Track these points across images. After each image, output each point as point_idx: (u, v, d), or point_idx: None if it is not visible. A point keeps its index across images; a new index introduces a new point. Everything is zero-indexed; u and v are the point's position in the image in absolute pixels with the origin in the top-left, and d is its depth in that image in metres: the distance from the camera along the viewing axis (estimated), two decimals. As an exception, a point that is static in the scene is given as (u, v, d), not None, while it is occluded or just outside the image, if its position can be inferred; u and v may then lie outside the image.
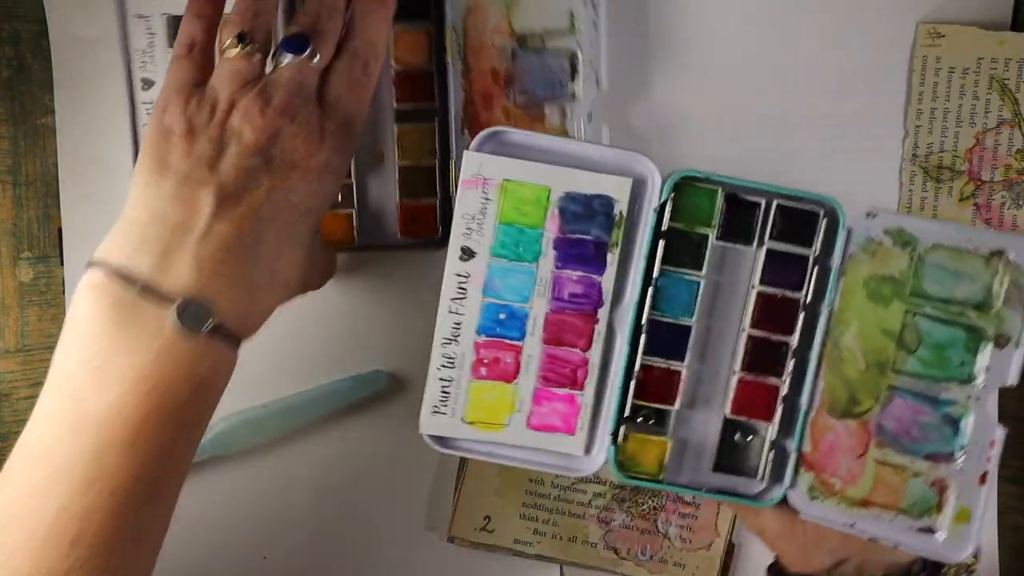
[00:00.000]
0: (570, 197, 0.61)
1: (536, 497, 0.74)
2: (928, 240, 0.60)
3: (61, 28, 0.73)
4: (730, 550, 0.74)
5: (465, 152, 0.61)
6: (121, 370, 0.50)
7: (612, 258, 0.61)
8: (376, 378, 0.75)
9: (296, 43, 0.57)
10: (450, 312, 0.62)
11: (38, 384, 0.73)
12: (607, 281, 0.61)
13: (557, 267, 0.62)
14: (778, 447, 0.61)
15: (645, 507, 0.73)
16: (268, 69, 0.58)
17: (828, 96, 0.74)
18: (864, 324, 0.60)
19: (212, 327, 0.52)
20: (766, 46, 0.74)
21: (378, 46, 0.60)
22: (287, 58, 0.57)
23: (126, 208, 0.55)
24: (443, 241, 0.70)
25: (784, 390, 0.61)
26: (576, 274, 0.61)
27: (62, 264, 0.74)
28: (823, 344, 0.60)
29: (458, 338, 0.62)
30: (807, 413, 0.60)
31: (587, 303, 0.62)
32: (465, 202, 0.61)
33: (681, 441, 0.62)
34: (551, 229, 0.61)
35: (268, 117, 0.55)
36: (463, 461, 0.74)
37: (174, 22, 0.72)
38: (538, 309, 0.62)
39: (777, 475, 0.61)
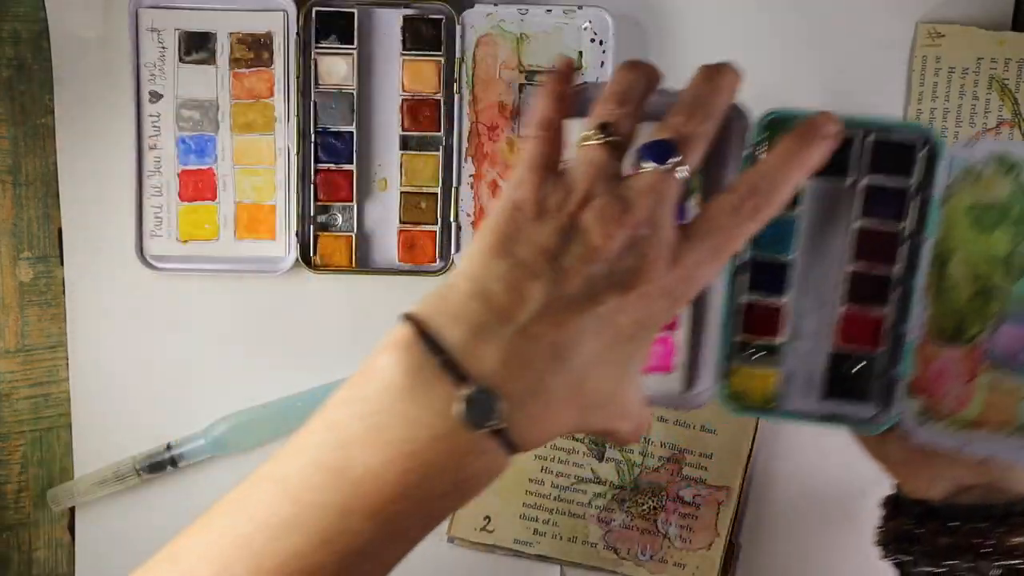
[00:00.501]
0: None
1: (536, 497, 0.74)
2: None
3: (61, 28, 0.73)
4: (730, 550, 0.74)
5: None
6: (395, 438, 0.46)
7: None
8: (376, 378, 0.75)
9: (662, 149, 0.50)
10: None
11: (38, 384, 0.74)
12: None
13: None
14: (886, 375, 0.61)
15: (645, 507, 0.74)
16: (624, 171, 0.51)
17: (828, 96, 0.74)
18: (968, 252, 0.60)
19: (496, 428, 0.47)
20: (765, 58, 0.74)
21: (781, 192, 0.53)
22: (649, 165, 0.50)
23: (454, 273, 0.50)
24: (441, 269, 0.71)
25: (890, 320, 0.61)
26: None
27: (62, 264, 0.74)
28: (927, 274, 0.59)
29: None
30: (914, 342, 0.60)
31: None
32: None
33: (789, 372, 0.62)
34: None
35: (624, 224, 0.49)
36: None
37: (186, 38, 0.72)
38: None
39: (886, 401, 0.61)
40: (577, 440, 0.73)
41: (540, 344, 0.47)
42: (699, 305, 0.62)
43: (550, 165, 0.51)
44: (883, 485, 0.75)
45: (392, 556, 0.49)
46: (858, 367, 0.61)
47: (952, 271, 0.61)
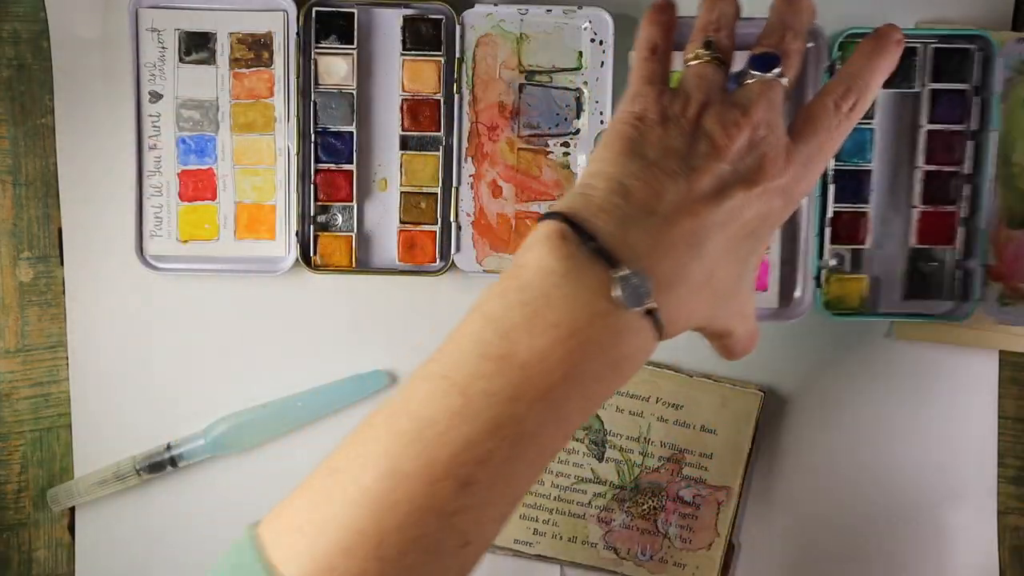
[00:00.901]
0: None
1: (536, 497, 0.74)
2: None
3: (61, 28, 0.73)
4: (730, 550, 0.74)
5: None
6: (556, 321, 0.48)
7: None
8: (376, 378, 0.75)
9: (766, 61, 0.55)
10: None
11: (38, 384, 0.74)
12: None
13: None
14: (963, 267, 0.68)
15: (645, 507, 0.73)
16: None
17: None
18: None
19: (648, 308, 0.49)
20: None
21: (870, 89, 0.57)
22: (754, 76, 0.55)
23: (581, 180, 0.53)
24: (441, 269, 0.71)
25: (963, 214, 0.68)
26: None
27: (62, 264, 0.74)
28: (995, 166, 0.66)
29: None
30: (987, 231, 0.67)
31: None
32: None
33: (876, 276, 0.70)
34: None
35: (743, 126, 0.53)
36: None
37: (186, 38, 0.72)
38: None
39: (966, 292, 0.68)
40: (577, 440, 0.73)
41: (680, 233, 0.50)
42: (791, 222, 0.69)
43: (664, 79, 0.56)
44: (882, 488, 0.75)
45: (556, 442, 0.50)
46: (936, 263, 0.69)
47: (1017, 159, 0.67)
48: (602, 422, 0.73)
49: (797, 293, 0.71)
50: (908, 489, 0.76)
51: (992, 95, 0.66)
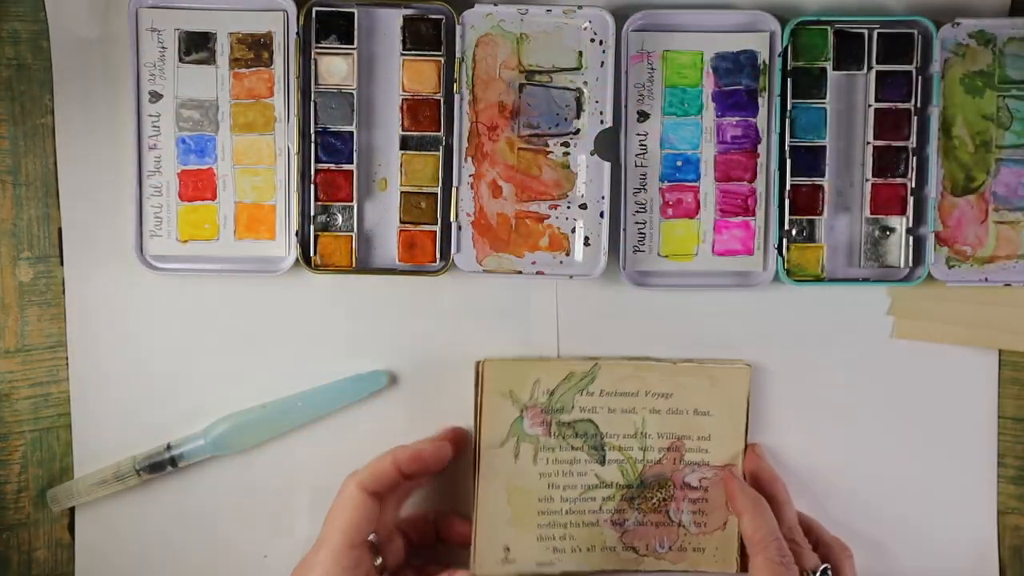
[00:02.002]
0: (720, 56, 0.73)
1: (548, 515, 0.73)
2: (1004, 35, 0.72)
3: (61, 28, 0.73)
4: None
5: (629, 32, 0.72)
6: None
7: (763, 101, 0.73)
8: (376, 378, 0.75)
9: None
10: (636, 166, 0.73)
11: (38, 384, 0.74)
12: (761, 121, 0.73)
13: (718, 116, 0.73)
14: (914, 234, 0.73)
15: (655, 500, 0.74)
16: None
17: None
18: (967, 114, 0.72)
19: None
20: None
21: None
22: None
23: None
24: (441, 269, 0.71)
25: (911, 185, 0.73)
26: (735, 119, 0.73)
27: (62, 264, 0.74)
28: (937, 139, 0.72)
29: (645, 186, 0.73)
30: (934, 199, 0.72)
31: (747, 142, 0.73)
32: (634, 74, 0.72)
33: (833, 245, 0.74)
34: (708, 85, 0.73)
35: None
36: (473, 498, 0.73)
37: (186, 38, 0.72)
38: (707, 153, 0.74)
39: (918, 257, 0.73)
40: (576, 449, 0.73)
41: None
42: (765, 194, 0.73)
43: None
44: (881, 487, 0.75)
45: None
46: (890, 232, 0.73)
47: (957, 132, 0.73)
48: (597, 426, 0.73)
49: (768, 262, 0.74)
50: (908, 489, 0.76)
51: (933, 75, 0.72)
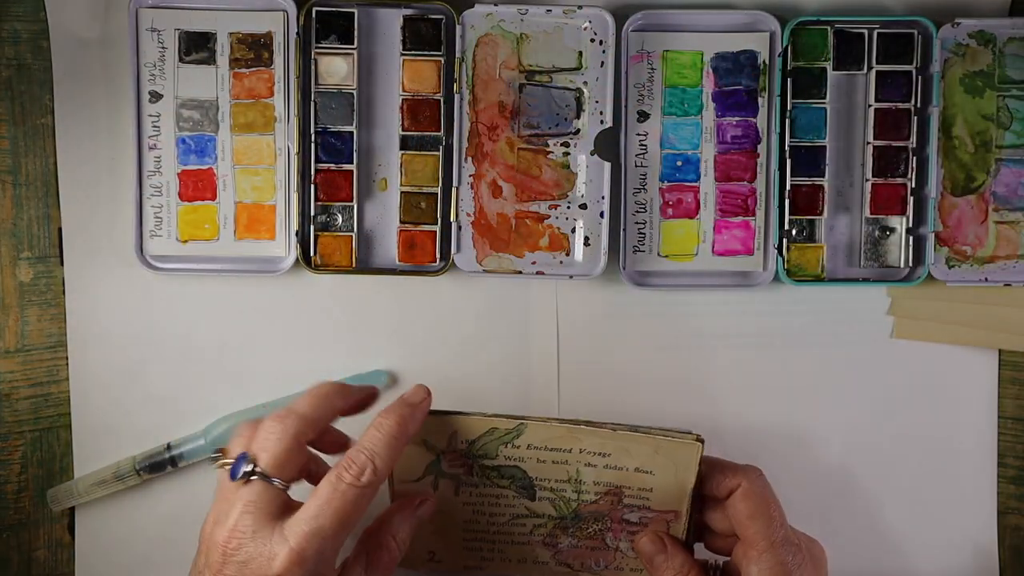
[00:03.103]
0: (720, 56, 0.73)
1: (476, 532, 0.70)
2: (1004, 35, 0.72)
3: (61, 28, 0.73)
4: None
5: (629, 32, 0.72)
6: None
7: (763, 101, 0.73)
8: (377, 377, 0.75)
9: (232, 472, 0.61)
10: (636, 166, 0.73)
11: (38, 384, 0.74)
12: (761, 121, 0.73)
13: (718, 116, 0.74)
14: (914, 234, 0.73)
15: (591, 530, 0.69)
16: None
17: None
18: (967, 114, 0.72)
19: None
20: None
21: (381, 457, 0.61)
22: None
23: None
24: (441, 269, 0.71)
25: (911, 185, 0.73)
26: (735, 119, 0.73)
27: (62, 264, 0.74)
28: (937, 139, 0.72)
29: (645, 186, 0.73)
30: (934, 199, 0.73)
31: (747, 142, 0.73)
32: (634, 74, 0.73)
33: (833, 245, 0.75)
34: (708, 85, 0.73)
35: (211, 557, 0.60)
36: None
37: (186, 38, 0.72)
38: (707, 153, 0.74)
39: (918, 257, 0.74)
40: (501, 488, 0.67)
41: None
42: (765, 194, 0.73)
43: None
44: (881, 487, 0.75)
45: None
46: (890, 232, 0.73)
47: (957, 132, 0.73)
48: (524, 471, 0.67)
49: (768, 262, 0.74)
50: (908, 488, 0.76)
51: (932, 75, 0.72)
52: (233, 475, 0.60)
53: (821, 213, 0.73)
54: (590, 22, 0.72)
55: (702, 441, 0.63)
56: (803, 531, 0.65)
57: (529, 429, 0.65)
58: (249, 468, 0.60)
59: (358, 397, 0.67)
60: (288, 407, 0.63)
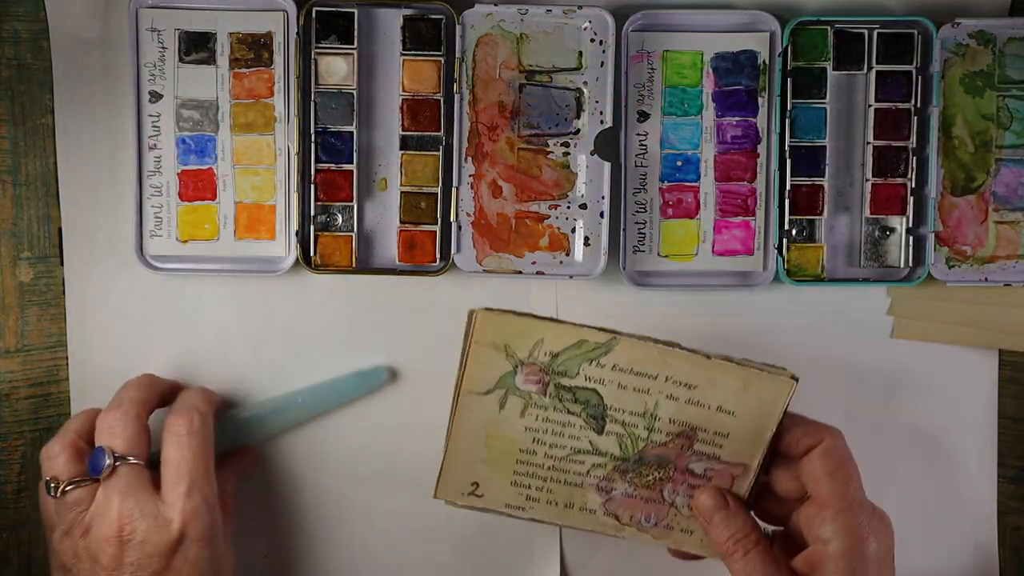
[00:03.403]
0: (720, 56, 0.73)
1: (528, 466, 0.68)
2: (1004, 35, 0.73)
3: (61, 28, 0.73)
4: None
5: (629, 32, 0.72)
6: None
7: (762, 101, 0.73)
8: (378, 374, 0.75)
9: (94, 465, 0.66)
10: (636, 166, 0.73)
11: (38, 384, 0.74)
12: (761, 121, 0.73)
13: (718, 116, 0.74)
14: (914, 234, 0.74)
15: (650, 478, 0.67)
16: None
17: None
18: (967, 114, 0.72)
19: None
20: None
21: (199, 410, 0.69)
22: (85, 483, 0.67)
23: None
24: (441, 269, 0.71)
25: (911, 185, 0.73)
26: (735, 119, 0.73)
27: (62, 264, 0.74)
28: (937, 139, 0.73)
29: (645, 186, 0.73)
30: (934, 199, 0.73)
31: (747, 142, 0.74)
32: (634, 74, 0.73)
33: (833, 245, 0.75)
34: (708, 85, 0.73)
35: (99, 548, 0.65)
36: (449, 430, 0.67)
37: (186, 38, 0.72)
38: (707, 153, 0.74)
39: (918, 257, 0.74)
40: (573, 414, 0.66)
41: None
42: (765, 194, 0.73)
43: None
44: (881, 487, 0.76)
45: None
46: (890, 232, 0.74)
47: (957, 132, 0.73)
48: (601, 396, 0.65)
49: (768, 262, 0.75)
50: (908, 489, 0.76)
51: (932, 75, 0.72)
52: (97, 470, 0.65)
53: (821, 213, 0.73)
54: (590, 22, 0.72)
55: (796, 379, 0.63)
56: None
57: (620, 346, 0.64)
58: (110, 460, 0.65)
59: (170, 385, 0.73)
60: (118, 397, 0.69)
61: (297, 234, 0.73)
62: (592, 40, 0.72)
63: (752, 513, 0.65)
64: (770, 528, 0.66)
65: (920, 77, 0.73)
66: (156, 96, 0.73)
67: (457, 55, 0.72)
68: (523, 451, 0.67)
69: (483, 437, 0.67)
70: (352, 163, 0.73)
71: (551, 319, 0.64)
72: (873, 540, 0.62)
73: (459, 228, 0.73)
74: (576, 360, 0.64)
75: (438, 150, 0.73)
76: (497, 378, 0.65)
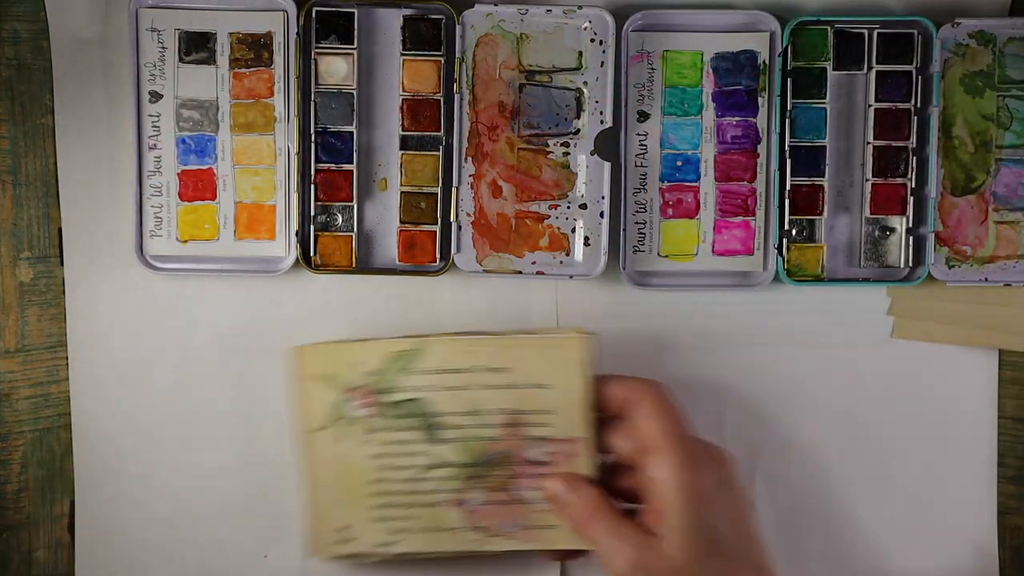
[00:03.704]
0: (720, 56, 0.73)
1: (385, 496, 0.68)
2: (1004, 35, 0.72)
3: (61, 28, 0.73)
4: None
5: (629, 32, 0.72)
6: None
7: (763, 101, 0.73)
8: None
9: None
10: (636, 166, 0.73)
11: (38, 384, 0.74)
12: (761, 121, 0.73)
13: (718, 116, 0.73)
14: (914, 234, 0.73)
15: (497, 478, 0.68)
16: None
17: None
18: (967, 114, 0.72)
19: None
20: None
21: None
22: None
23: None
24: (441, 269, 0.71)
25: (911, 185, 0.73)
26: (734, 119, 0.73)
27: (62, 264, 0.74)
28: (937, 139, 0.72)
29: (645, 186, 0.73)
30: (934, 199, 0.73)
31: (747, 142, 0.73)
32: (634, 74, 0.73)
33: (833, 245, 0.75)
34: (708, 85, 0.73)
35: None
36: (303, 478, 0.69)
37: (186, 38, 0.72)
38: (707, 153, 0.74)
39: (918, 257, 0.74)
40: (406, 430, 0.68)
41: None
42: (766, 193, 0.73)
43: None
44: (881, 487, 0.75)
45: None
46: (890, 232, 0.73)
47: (957, 132, 0.73)
48: (427, 405, 0.67)
49: (768, 262, 0.74)
50: (908, 489, 0.76)
51: (932, 75, 0.72)
52: None
53: (821, 213, 0.73)
54: (590, 22, 0.72)
55: (588, 335, 0.65)
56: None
57: (428, 348, 0.67)
58: None
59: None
60: None
61: (297, 234, 0.73)
62: (592, 40, 0.72)
63: (607, 491, 0.66)
64: (631, 505, 0.66)
65: (920, 77, 0.73)
66: (156, 96, 0.73)
67: (457, 55, 0.72)
68: (375, 482, 0.68)
69: (336, 476, 0.68)
70: (352, 163, 0.73)
71: (364, 340, 0.67)
72: (708, 471, 0.63)
73: (459, 228, 0.73)
74: (396, 373, 0.67)
75: (438, 150, 0.73)
76: (330, 410, 0.67)
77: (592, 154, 0.73)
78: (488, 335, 0.68)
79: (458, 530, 0.69)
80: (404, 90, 0.73)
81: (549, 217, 0.74)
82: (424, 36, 0.72)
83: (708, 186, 0.74)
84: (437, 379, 0.67)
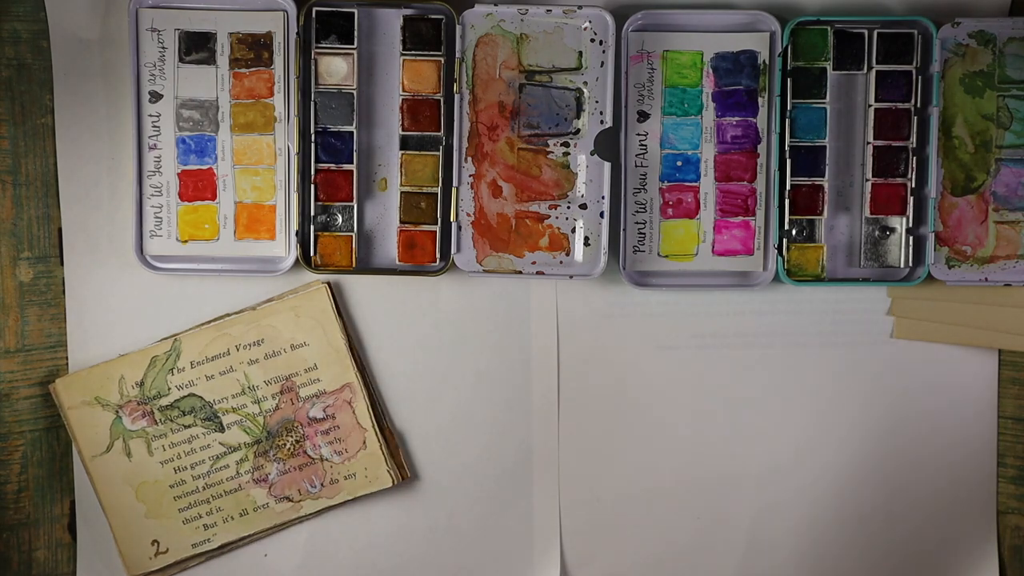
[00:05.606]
0: (720, 56, 0.73)
1: (186, 497, 0.72)
2: (1004, 35, 0.72)
3: (61, 28, 0.73)
4: (388, 436, 0.74)
5: (629, 32, 0.72)
6: None
7: (763, 101, 0.73)
8: (376, 378, 0.75)
9: None
10: (636, 166, 0.73)
11: (38, 384, 0.74)
12: (761, 121, 0.73)
13: (718, 116, 0.73)
14: (914, 234, 0.73)
15: (288, 445, 0.72)
16: None
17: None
18: (967, 114, 0.72)
19: None
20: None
21: None
22: None
23: None
24: (441, 269, 0.71)
25: (911, 185, 0.73)
26: (735, 119, 0.73)
27: (62, 264, 0.74)
28: (937, 139, 0.72)
29: (645, 186, 0.73)
30: (934, 199, 0.72)
31: (747, 142, 0.73)
32: (634, 74, 0.72)
33: (833, 245, 0.74)
34: (708, 85, 0.73)
35: None
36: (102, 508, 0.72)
37: (186, 38, 0.72)
38: (707, 153, 0.74)
39: (918, 257, 0.74)
40: (189, 427, 0.72)
41: None
42: (766, 193, 0.73)
43: None
44: (881, 487, 0.75)
45: None
46: (890, 232, 0.73)
47: (957, 132, 0.73)
48: (200, 397, 0.72)
49: (768, 262, 0.74)
50: (908, 489, 0.76)
51: (932, 75, 0.72)
52: None
53: (821, 213, 0.73)
54: (590, 22, 0.72)
55: (327, 283, 0.70)
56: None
57: (184, 343, 0.71)
58: None
59: None
60: None
61: (297, 234, 0.73)
62: (592, 40, 0.72)
63: None
64: None
65: (920, 77, 0.73)
66: (156, 96, 0.73)
67: (457, 55, 0.72)
68: (173, 486, 0.72)
69: (132, 493, 0.71)
70: (352, 163, 0.73)
71: (120, 356, 0.71)
72: None
73: (459, 228, 0.73)
74: (160, 377, 0.71)
75: (438, 150, 0.73)
76: (108, 431, 0.70)
77: (592, 154, 0.73)
78: (234, 314, 0.72)
79: (267, 507, 0.72)
80: (404, 90, 0.73)
81: (549, 217, 0.74)
82: (424, 36, 0.72)
83: (708, 186, 0.74)
84: (201, 370, 0.71)
